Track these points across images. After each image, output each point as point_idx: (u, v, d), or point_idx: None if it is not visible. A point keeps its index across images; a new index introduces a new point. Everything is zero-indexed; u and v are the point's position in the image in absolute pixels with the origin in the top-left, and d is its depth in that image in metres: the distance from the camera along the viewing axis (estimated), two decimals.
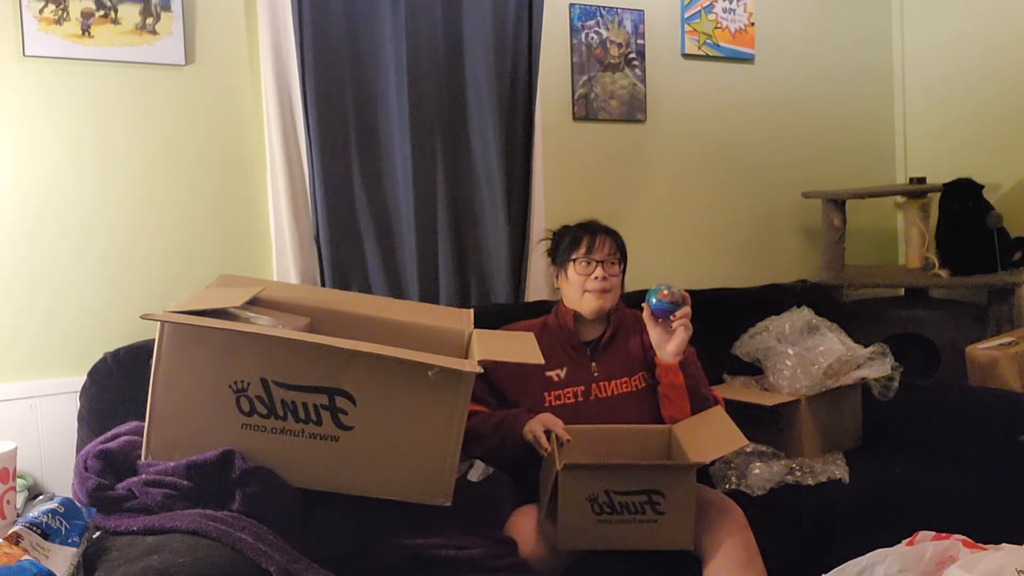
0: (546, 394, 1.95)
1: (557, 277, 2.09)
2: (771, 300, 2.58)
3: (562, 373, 1.98)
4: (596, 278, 1.98)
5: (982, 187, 2.84)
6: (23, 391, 2.04)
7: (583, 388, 1.97)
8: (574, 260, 2.00)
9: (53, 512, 1.40)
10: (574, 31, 2.75)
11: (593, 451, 1.82)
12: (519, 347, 1.74)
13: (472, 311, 1.95)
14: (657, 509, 1.64)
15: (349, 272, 2.35)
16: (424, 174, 2.38)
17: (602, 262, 1.99)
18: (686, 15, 2.95)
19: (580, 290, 1.99)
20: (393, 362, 1.50)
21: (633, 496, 1.64)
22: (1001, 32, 3.06)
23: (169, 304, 1.61)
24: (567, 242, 2.04)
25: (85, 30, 2.07)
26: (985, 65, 3.11)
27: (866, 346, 2.30)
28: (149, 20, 2.13)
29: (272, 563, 1.33)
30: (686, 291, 1.97)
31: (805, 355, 2.22)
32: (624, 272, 2.09)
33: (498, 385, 1.97)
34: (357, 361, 1.50)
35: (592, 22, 2.77)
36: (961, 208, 2.84)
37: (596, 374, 1.99)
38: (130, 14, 2.11)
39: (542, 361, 1.68)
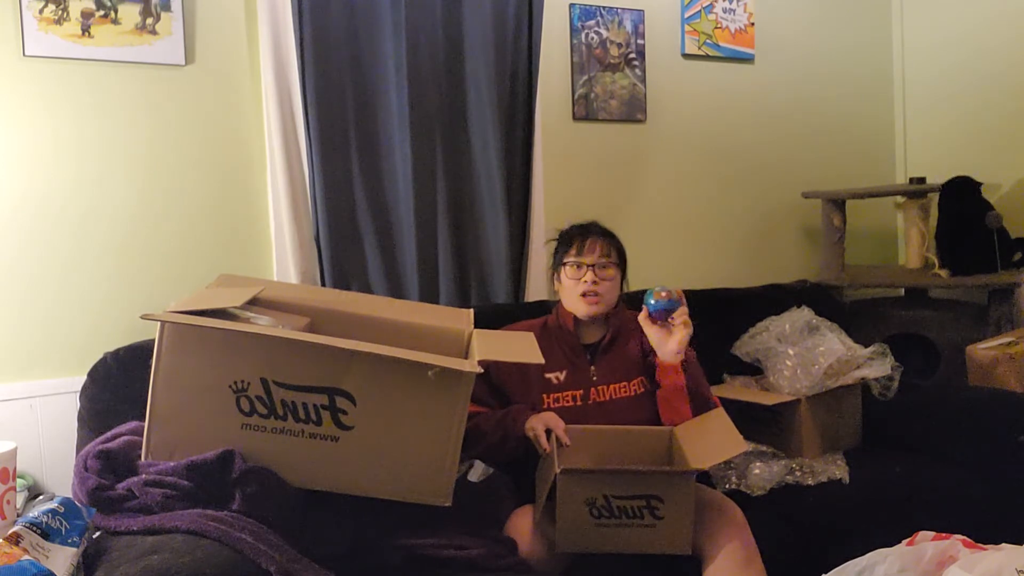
0: (545, 396, 1.95)
1: (555, 279, 2.08)
2: (771, 300, 2.58)
3: (561, 376, 1.97)
4: (585, 282, 1.96)
5: (980, 185, 2.83)
6: (23, 391, 2.04)
7: (582, 392, 1.96)
8: (565, 264, 2.00)
9: (53, 512, 1.40)
10: (574, 31, 2.75)
11: (594, 452, 1.82)
12: (519, 347, 1.74)
13: (472, 311, 1.94)
14: (656, 514, 1.64)
15: (349, 272, 2.35)
16: (424, 174, 2.38)
17: (592, 266, 1.97)
18: (686, 15, 2.95)
19: (572, 293, 1.99)
20: (393, 362, 1.50)
21: (631, 501, 1.64)
22: (1001, 32, 3.06)
23: (169, 304, 1.61)
24: (559, 243, 2.05)
25: (85, 30, 2.07)
26: (985, 65, 3.11)
27: (866, 346, 2.30)
28: (149, 20, 2.13)
29: (272, 563, 1.33)
30: (681, 290, 1.96)
31: (805, 355, 2.22)
32: (624, 275, 2.07)
33: (499, 386, 1.97)
34: (357, 361, 1.50)
35: (592, 22, 2.77)
36: (960, 207, 2.83)
37: (595, 378, 1.98)
38: (130, 14, 2.11)
39: (542, 361, 1.68)
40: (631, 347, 2.03)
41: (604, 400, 1.96)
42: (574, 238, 2.01)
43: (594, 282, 1.96)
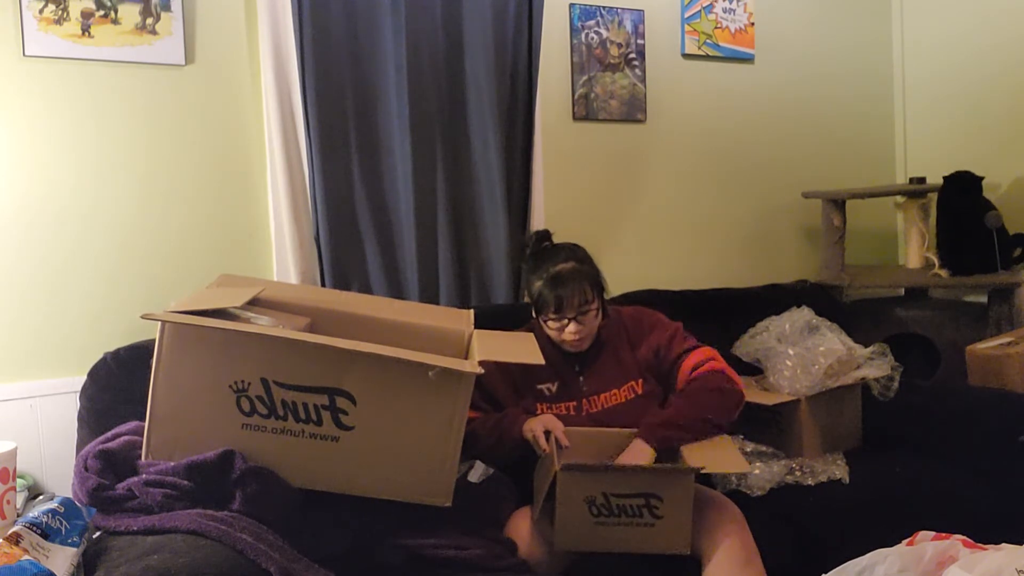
0: (540, 405, 1.94)
1: (533, 312, 1.98)
2: (771, 300, 2.58)
3: (553, 387, 1.96)
4: (570, 331, 1.90)
5: (981, 179, 2.83)
6: (23, 391, 2.04)
7: (575, 403, 1.94)
8: (546, 320, 1.92)
9: (53, 512, 1.40)
10: (574, 31, 2.75)
11: (592, 454, 1.82)
12: (519, 347, 1.74)
13: (472, 311, 1.95)
14: (655, 513, 1.64)
15: (349, 272, 2.35)
16: (424, 174, 2.38)
17: (573, 317, 1.89)
18: (686, 15, 2.95)
19: (556, 335, 1.93)
20: (393, 362, 1.50)
21: (631, 499, 1.64)
22: (1001, 32, 3.06)
23: (169, 304, 1.62)
24: (536, 296, 1.91)
25: (85, 30, 2.07)
26: (985, 65, 3.11)
27: (866, 346, 2.30)
28: (149, 20, 2.13)
29: (272, 563, 1.33)
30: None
31: (805, 355, 2.22)
32: (604, 292, 1.97)
33: (493, 394, 1.95)
34: (357, 361, 1.50)
35: (592, 22, 2.77)
36: (960, 205, 2.83)
37: (585, 388, 1.96)
38: (130, 14, 2.11)
39: (542, 361, 1.68)
40: (623, 352, 2.00)
41: (597, 410, 1.94)
42: (549, 297, 1.87)
43: (577, 331, 1.90)
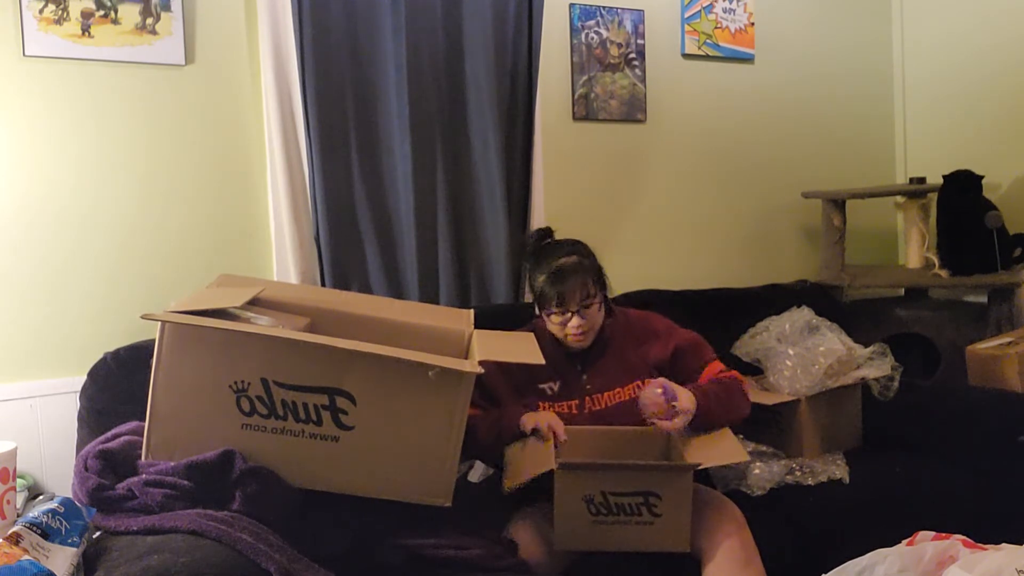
0: (541, 404, 1.94)
1: (535, 308, 1.99)
2: (771, 300, 2.58)
3: (555, 387, 1.95)
4: (573, 325, 1.91)
5: (981, 178, 2.83)
6: (23, 391, 2.04)
7: (577, 402, 1.94)
8: (549, 314, 1.93)
9: (53, 512, 1.40)
10: (574, 31, 2.75)
11: (591, 453, 1.82)
12: (520, 347, 1.75)
13: (472, 311, 1.95)
14: (653, 511, 1.64)
15: (349, 272, 2.35)
16: (424, 174, 2.38)
17: (576, 311, 1.90)
18: (686, 15, 2.95)
19: (559, 331, 1.94)
20: (393, 362, 1.50)
21: (629, 497, 1.63)
22: (1001, 32, 3.06)
23: (169, 304, 1.62)
24: (538, 291, 1.92)
25: (85, 30, 2.07)
26: (985, 65, 3.11)
27: (866, 346, 2.30)
28: (149, 20, 2.13)
29: (272, 563, 1.33)
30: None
31: (805, 355, 2.22)
32: (605, 287, 1.99)
33: (493, 394, 1.95)
34: (357, 361, 1.50)
35: (592, 22, 2.77)
36: (960, 204, 2.83)
37: (588, 386, 1.95)
38: (130, 14, 2.11)
39: (542, 361, 1.68)
40: (628, 351, 1.99)
41: (600, 408, 1.93)
42: (551, 292, 1.88)
43: (580, 324, 1.90)
